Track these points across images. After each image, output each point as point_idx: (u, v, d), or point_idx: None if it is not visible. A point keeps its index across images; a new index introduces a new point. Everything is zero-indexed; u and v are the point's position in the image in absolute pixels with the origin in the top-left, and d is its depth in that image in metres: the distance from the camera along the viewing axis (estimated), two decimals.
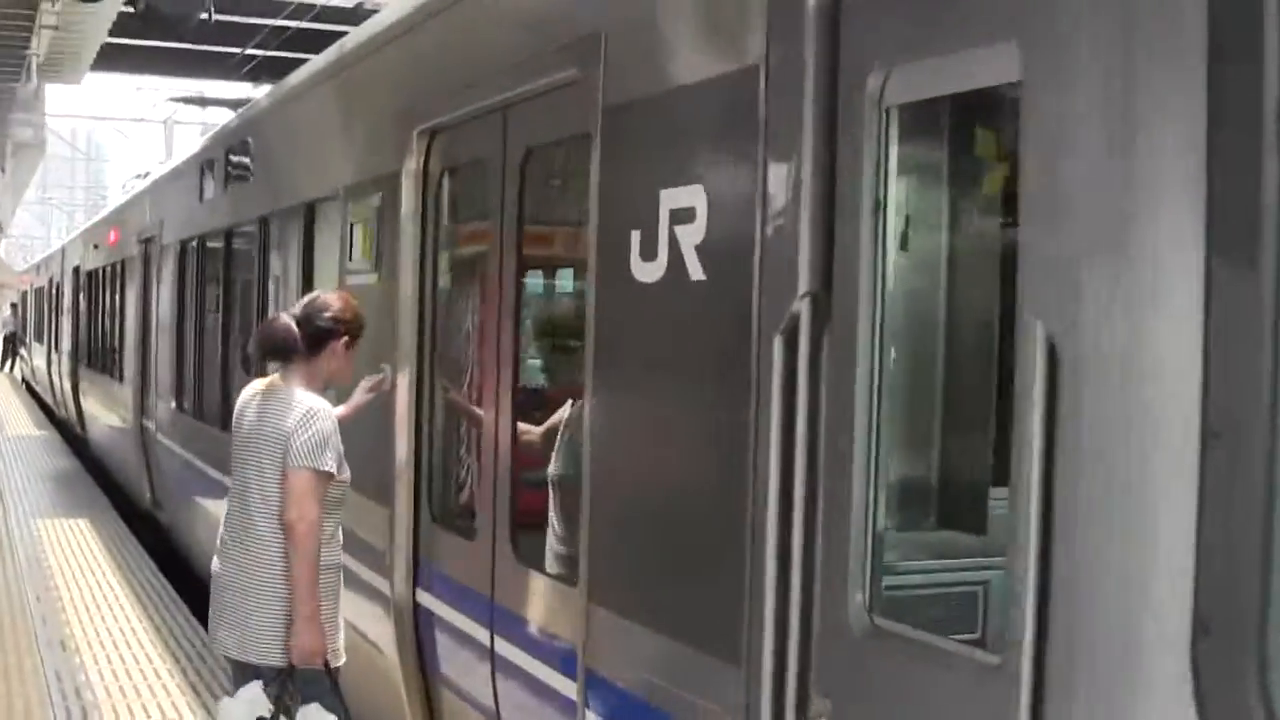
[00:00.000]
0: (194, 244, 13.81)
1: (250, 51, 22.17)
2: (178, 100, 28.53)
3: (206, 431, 12.68)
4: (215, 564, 6.47)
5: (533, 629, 5.67)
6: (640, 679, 4.59)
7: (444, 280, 7.14)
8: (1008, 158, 3.32)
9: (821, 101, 3.69)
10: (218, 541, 6.51)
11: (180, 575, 13.85)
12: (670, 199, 4.52)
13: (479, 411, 6.36)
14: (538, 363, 6.43)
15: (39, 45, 17.53)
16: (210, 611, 6.50)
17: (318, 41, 13.27)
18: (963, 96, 3.46)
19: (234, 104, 23.68)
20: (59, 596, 12.64)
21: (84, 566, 14.12)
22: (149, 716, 9.26)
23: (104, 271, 22.09)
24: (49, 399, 33.81)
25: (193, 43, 22.15)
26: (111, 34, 19.08)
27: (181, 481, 14.06)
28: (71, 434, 27.06)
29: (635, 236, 4.72)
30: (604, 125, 5.01)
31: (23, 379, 46.91)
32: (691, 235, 4.33)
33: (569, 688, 5.11)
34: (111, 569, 14.02)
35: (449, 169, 6.97)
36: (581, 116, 5.18)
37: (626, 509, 4.82)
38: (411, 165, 7.12)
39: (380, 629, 7.23)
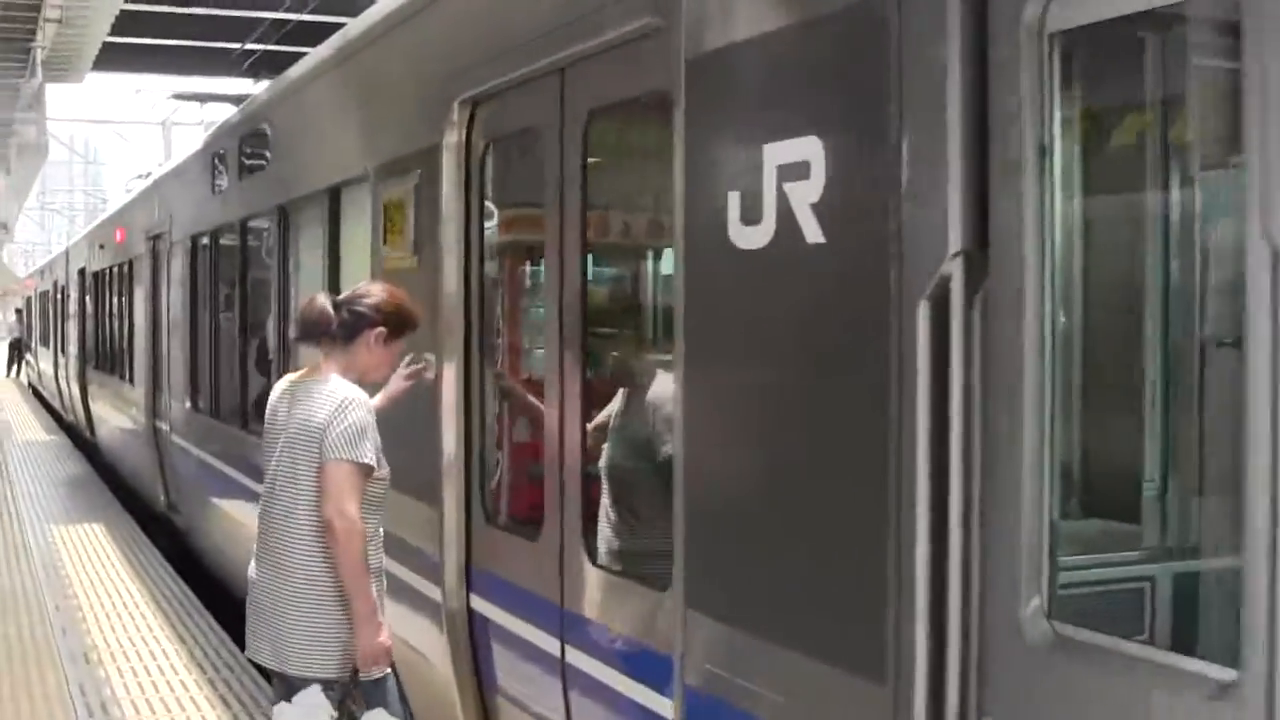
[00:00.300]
0: (205, 239, 13.31)
1: (250, 46, 21.66)
2: (178, 97, 28.07)
3: (224, 431, 12.20)
4: (251, 569, 6.03)
5: (615, 638, 5.17)
6: (754, 697, 4.05)
7: (493, 261, 6.65)
8: (1204, 86, 2.83)
9: (968, 29, 3.19)
10: (255, 545, 6.05)
11: (200, 580, 13.37)
12: (777, 154, 4.00)
13: (541, 403, 5.86)
14: (610, 348, 5.93)
15: (44, 38, 17.19)
16: (247, 618, 6.05)
17: (318, 35, 12.79)
18: (1145, 17, 2.97)
19: (235, 99, 23.30)
20: (78, 605, 12.16)
21: (102, 573, 13.63)
22: None
23: (110, 272, 21.59)
24: (57, 404, 33.36)
25: (192, 39, 21.75)
26: (111, 33, 18.77)
27: (198, 483, 13.59)
28: (81, 438, 26.59)
29: (733, 199, 4.21)
30: (689, 78, 4.50)
31: (29, 384, 46.47)
32: (806, 193, 3.81)
33: (663, 705, 4.61)
34: (130, 575, 13.53)
35: (495, 140, 6.47)
36: (659, 71, 4.69)
37: (733, 505, 4.29)
38: (452, 138, 6.63)
39: (429, 638, 6.75)
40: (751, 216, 4.12)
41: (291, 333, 6.40)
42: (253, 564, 6.02)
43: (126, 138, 50.59)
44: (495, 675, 6.37)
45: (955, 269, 3.19)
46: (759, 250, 4.09)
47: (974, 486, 3.17)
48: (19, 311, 54.98)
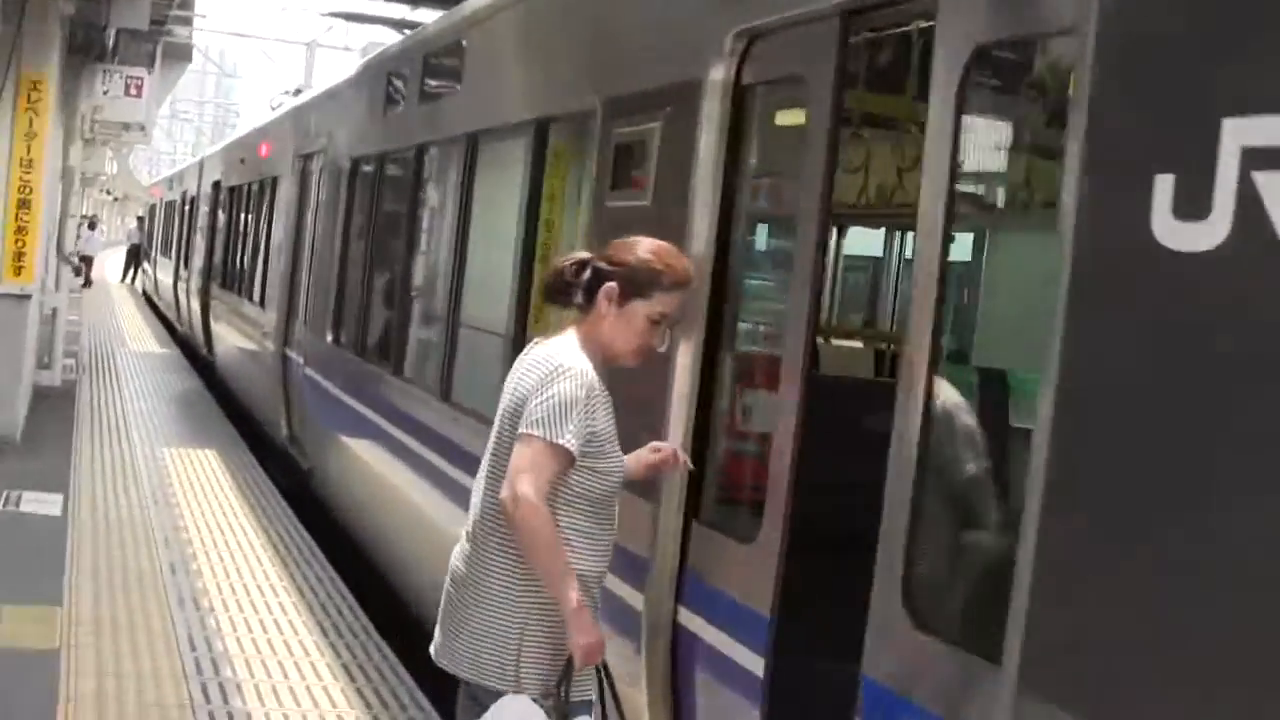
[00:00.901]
0: (370, 163, 12.33)
1: None
2: (331, 15, 27.29)
3: (370, 373, 11.26)
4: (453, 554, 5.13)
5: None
6: None
7: (758, 226, 5.63)
8: None
9: None
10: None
11: (321, 528, 12.47)
12: (1244, 132, 2.96)
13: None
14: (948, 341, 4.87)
15: None
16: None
17: None
18: None
19: (390, 22, 22.36)
20: (189, 540, 11.27)
21: (214, 507, 12.75)
22: (299, 703, 7.86)
23: (249, 188, 20.76)
24: (172, 315, 32.77)
25: None
26: None
27: (331, 423, 12.68)
28: (195, 354, 25.90)
29: (1163, 184, 3.16)
30: (1103, 16, 3.44)
31: (144, 292, 46.10)
32: None
33: None
34: (245, 512, 12.63)
35: (783, 80, 5.42)
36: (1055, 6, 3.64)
37: (1139, 569, 3.22)
38: (719, 75, 5.60)
39: (620, 653, 5.74)
40: (1193, 208, 3.07)
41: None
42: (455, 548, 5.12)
43: (271, 56, 49.89)
44: (695, 697, 5.39)
45: None
46: (1201, 253, 3.05)
47: None
48: (140, 219, 54.74)
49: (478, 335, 9.12)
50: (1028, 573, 3.46)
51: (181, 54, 27.34)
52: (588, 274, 4.92)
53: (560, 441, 4.69)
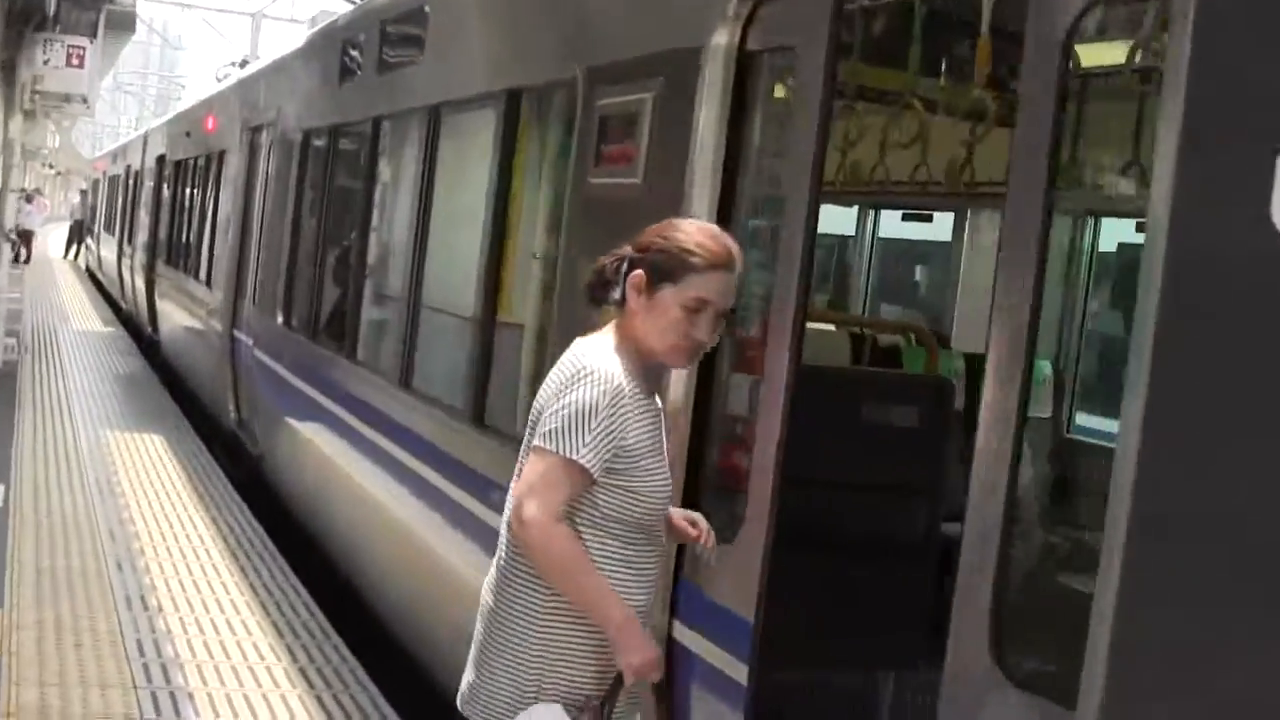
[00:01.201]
0: (324, 136, 11.75)
1: None
2: None
3: (325, 358, 10.72)
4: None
5: None
6: None
7: (764, 207, 5.15)
8: None
9: None
10: None
11: (271, 516, 11.94)
12: None
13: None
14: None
15: None
16: None
17: None
18: None
19: None
20: (135, 535, 10.72)
21: (162, 496, 12.19)
22: (255, 714, 7.36)
23: (196, 163, 20.09)
24: (115, 292, 32.04)
25: None
26: None
27: (283, 411, 12.13)
28: (139, 332, 25.23)
29: None
30: None
31: (87, 268, 45.24)
32: None
33: None
34: (194, 503, 12.06)
35: (797, 47, 4.93)
36: None
37: None
38: (722, 40, 5.11)
39: None
40: None
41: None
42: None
43: (215, 27, 48.96)
44: None
45: None
46: None
47: None
48: (83, 193, 53.86)
49: (440, 320, 8.62)
50: None
51: (125, 23, 26.59)
52: (625, 267, 4.27)
53: (574, 457, 4.07)
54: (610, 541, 4.18)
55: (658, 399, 4.31)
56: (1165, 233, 2.99)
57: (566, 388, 4.13)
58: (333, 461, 10.18)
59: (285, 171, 12.86)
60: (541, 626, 4.20)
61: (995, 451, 3.64)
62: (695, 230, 4.27)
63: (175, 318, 20.49)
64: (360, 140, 10.61)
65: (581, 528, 4.15)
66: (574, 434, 4.07)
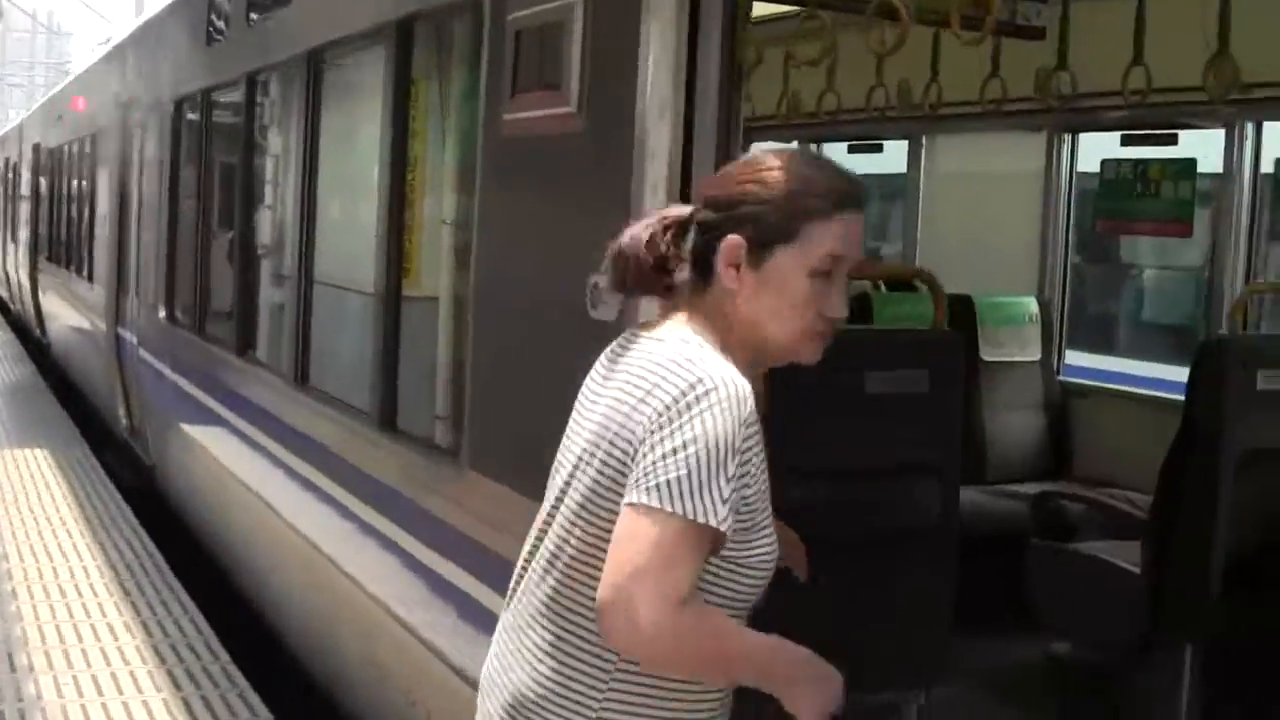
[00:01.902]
0: (195, 103, 10.33)
1: None
2: None
3: (214, 356, 9.36)
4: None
5: None
6: None
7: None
8: None
9: None
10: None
11: (169, 528, 10.62)
12: None
13: None
14: None
15: None
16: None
17: None
18: None
19: None
20: (8, 573, 9.33)
21: (42, 524, 10.77)
22: None
23: (70, 148, 18.58)
24: (3, 293, 30.46)
25: None
26: None
27: (172, 416, 10.75)
28: (30, 336, 23.70)
29: None
30: None
31: None
32: None
33: None
34: (80, 529, 10.63)
35: None
36: None
37: None
38: None
39: None
40: None
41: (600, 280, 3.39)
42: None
43: (95, 9, 46.50)
44: None
45: None
46: None
47: None
48: None
49: (338, 304, 7.32)
50: None
51: None
52: (691, 235, 2.92)
53: (708, 520, 2.68)
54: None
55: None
56: None
57: (681, 413, 2.72)
58: (222, 469, 8.88)
59: (159, 148, 11.44)
60: None
61: None
62: (795, 160, 2.90)
63: (62, 318, 19.03)
64: (235, 105, 9.22)
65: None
66: (708, 486, 2.69)
